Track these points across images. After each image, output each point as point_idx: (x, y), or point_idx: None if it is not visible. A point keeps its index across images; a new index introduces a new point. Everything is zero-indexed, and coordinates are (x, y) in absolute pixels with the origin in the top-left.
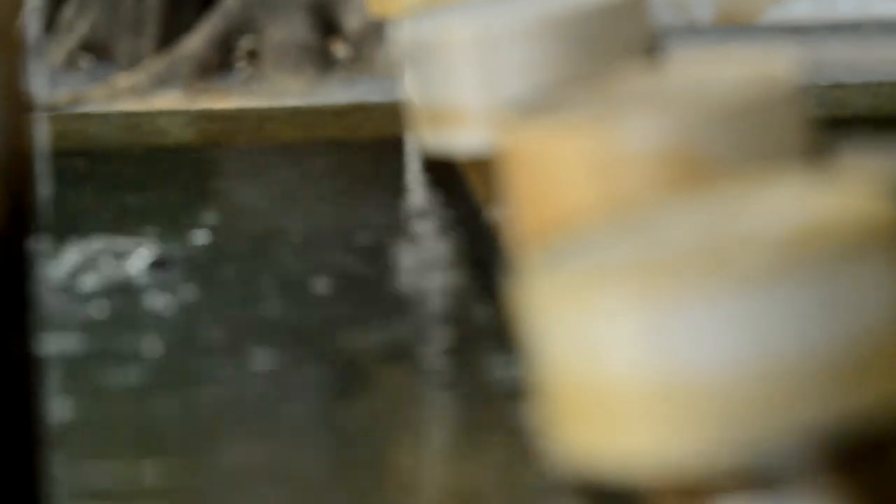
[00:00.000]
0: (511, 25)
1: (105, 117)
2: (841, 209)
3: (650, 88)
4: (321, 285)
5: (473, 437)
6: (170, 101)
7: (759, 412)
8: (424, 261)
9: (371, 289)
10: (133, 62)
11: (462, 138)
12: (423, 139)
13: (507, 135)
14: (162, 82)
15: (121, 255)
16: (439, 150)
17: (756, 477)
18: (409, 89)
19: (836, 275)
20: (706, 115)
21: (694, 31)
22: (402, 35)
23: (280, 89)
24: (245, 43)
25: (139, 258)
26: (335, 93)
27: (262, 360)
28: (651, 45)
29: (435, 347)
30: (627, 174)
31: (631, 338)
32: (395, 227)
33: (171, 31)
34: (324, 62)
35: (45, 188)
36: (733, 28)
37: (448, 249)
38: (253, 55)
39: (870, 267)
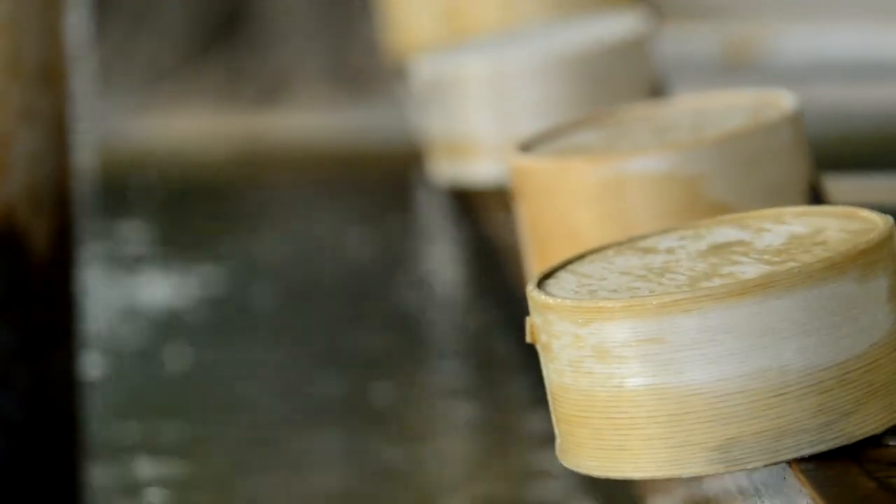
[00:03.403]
0: (523, 63)
1: (140, 141)
2: (837, 221)
3: (654, 120)
4: (346, 308)
5: (490, 445)
6: (203, 123)
7: (749, 422)
8: (442, 287)
9: (390, 313)
10: (167, 82)
11: (476, 170)
12: (440, 171)
13: (517, 166)
14: (194, 101)
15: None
16: (455, 181)
17: (744, 476)
18: (427, 123)
19: (830, 287)
20: (708, 143)
21: (697, 72)
22: (420, 71)
23: (307, 114)
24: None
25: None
26: (359, 121)
27: (296, 373)
28: (656, 83)
29: (454, 366)
30: (631, 202)
31: (626, 351)
32: (413, 254)
33: (202, 51)
34: (349, 91)
35: (87, 214)
36: (735, 68)
37: (464, 276)
38: (281, 78)
39: (870, 280)
